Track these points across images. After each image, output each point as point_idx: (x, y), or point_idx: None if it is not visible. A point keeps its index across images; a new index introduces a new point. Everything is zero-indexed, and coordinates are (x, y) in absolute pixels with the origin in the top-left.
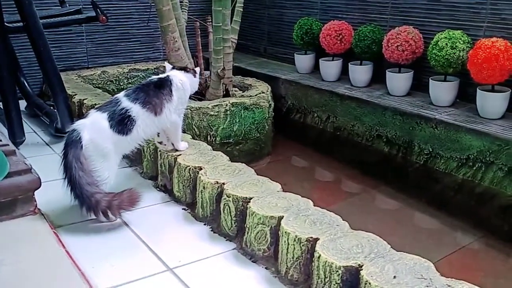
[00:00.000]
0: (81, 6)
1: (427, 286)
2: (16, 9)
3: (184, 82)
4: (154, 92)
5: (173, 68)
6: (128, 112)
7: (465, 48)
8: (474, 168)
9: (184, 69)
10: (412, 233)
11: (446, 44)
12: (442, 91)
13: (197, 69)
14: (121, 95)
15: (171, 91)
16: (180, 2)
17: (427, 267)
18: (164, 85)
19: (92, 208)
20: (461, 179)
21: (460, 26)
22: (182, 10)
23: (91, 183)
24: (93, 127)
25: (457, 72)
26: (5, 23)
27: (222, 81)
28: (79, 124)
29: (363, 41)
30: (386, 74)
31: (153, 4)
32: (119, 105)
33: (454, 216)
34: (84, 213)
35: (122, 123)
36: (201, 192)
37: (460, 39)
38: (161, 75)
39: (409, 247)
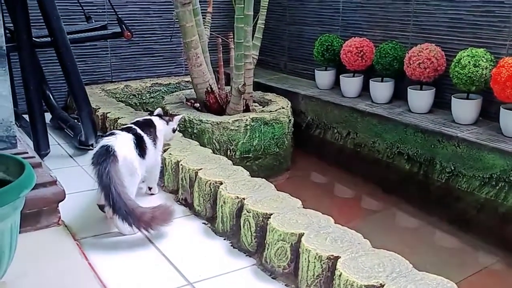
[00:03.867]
0: (106, 22)
1: None
2: (44, 24)
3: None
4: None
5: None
6: (143, 138)
7: (488, 66)
8: (497, 187)
9: (160, 115)
10: (433, 252)
11: (469, 62)
12: (465, 109)
13: (176, 118)
14: (131, 124)
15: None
16: (203, 18)
17: None
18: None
19: (136, 220)
20: (483, 198)
21: (482, 44)
22: (205, 26)
23: (130, 198)
24: (124, 145)
25: (479, 90)
26: (33, 38)
27: (243, 97)
28: (111, 141)
29: (384, 58)
30: (408, 91)
31: (177, 20)
32: (136, 130)
33: (476, 235)
34: (126, 228)
35: (141, 146)
36: (222, 207)
37: (483, 57)
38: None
39: (430, 267)
